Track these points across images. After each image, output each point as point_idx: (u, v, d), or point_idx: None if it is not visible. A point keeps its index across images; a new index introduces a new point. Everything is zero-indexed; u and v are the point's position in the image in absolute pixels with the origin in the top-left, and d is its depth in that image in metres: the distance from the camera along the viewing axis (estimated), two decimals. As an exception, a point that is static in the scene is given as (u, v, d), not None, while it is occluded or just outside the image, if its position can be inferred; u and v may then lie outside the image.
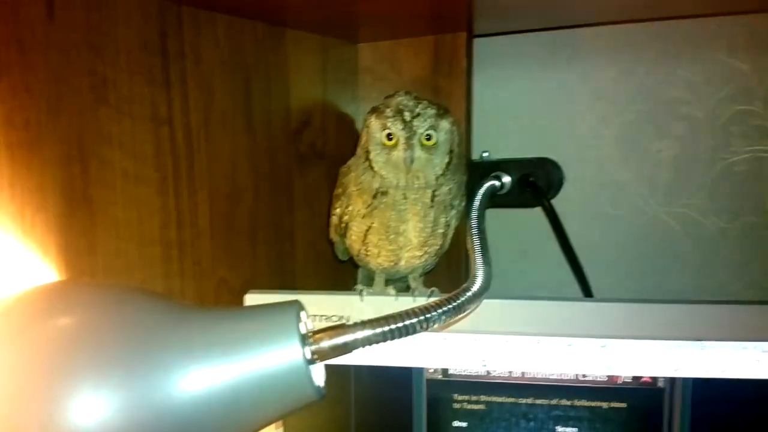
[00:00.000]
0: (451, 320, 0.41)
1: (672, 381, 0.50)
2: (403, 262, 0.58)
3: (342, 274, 0.69)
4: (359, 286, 0.57)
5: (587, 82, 0.82)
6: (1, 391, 0.31)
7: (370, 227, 0.56)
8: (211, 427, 0.34)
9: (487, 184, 0.63)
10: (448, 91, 0.74)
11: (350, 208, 0.57)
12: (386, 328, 0.37)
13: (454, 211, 0.58)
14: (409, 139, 0.52)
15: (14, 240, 0.39)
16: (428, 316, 0.38)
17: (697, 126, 0.76)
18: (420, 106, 0.53)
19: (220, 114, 0.58)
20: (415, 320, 0.38)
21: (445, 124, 0.54)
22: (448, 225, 0.57)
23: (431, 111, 0.53)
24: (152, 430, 0.31)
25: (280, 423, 0.57)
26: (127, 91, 0.49)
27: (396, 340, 0.38)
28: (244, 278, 0.60)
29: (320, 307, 0.54)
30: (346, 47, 0.77)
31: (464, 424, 0.54)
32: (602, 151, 0.83)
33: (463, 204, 0.59)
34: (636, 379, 0.51)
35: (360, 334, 0.36)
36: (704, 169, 0.77)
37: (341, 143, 0.76)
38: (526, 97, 0.84)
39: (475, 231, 0.56)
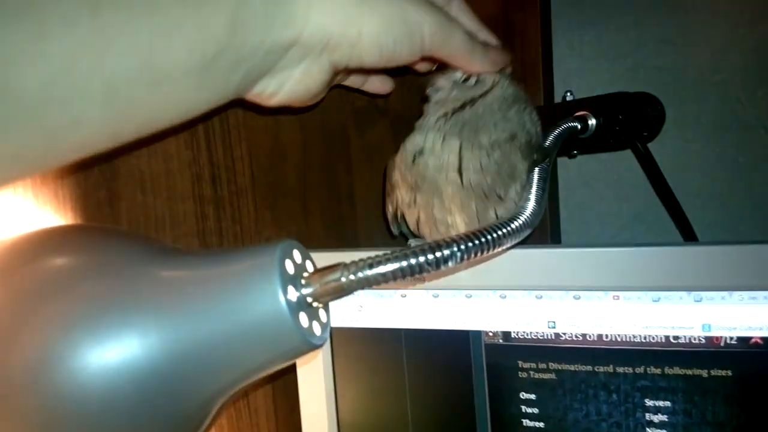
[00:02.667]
0: (476, 258, 0.34)
1: (791, 342, 0.39)
2: None
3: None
4: (411, 241, 0.52)
5: (699, 5, 0.69)
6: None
7: (418, 219, 0.49)
8: (192, 377, 0.30)
9: (564, 126, 0.55)
10: (522, 28, 0.65)
11: (399, 200, 0.51)
12: (388, 267, 0.32)
13: (506, 205, 0.46)
14: None
15: (25, 191, 0.39)
16: (441, 254, 0.33)
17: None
18: None
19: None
20: (422, 258, 0.32)
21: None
22: None
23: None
24: (122, 383, 0.29)
25: (331, 400, 0.53)
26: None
27: (404, 280, 0.33)
28: (297, 239, 0.57)
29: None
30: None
31: (533, 396, 0.46)
32: (724, 87, 0.70)
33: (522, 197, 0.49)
34: (743, 340, 0.40)
35: (357, 274, 0.31)
36: None
37: (406, 97, 0.70)
38: (626, 31, 0.73)
39: (537, 169, 0.48)
